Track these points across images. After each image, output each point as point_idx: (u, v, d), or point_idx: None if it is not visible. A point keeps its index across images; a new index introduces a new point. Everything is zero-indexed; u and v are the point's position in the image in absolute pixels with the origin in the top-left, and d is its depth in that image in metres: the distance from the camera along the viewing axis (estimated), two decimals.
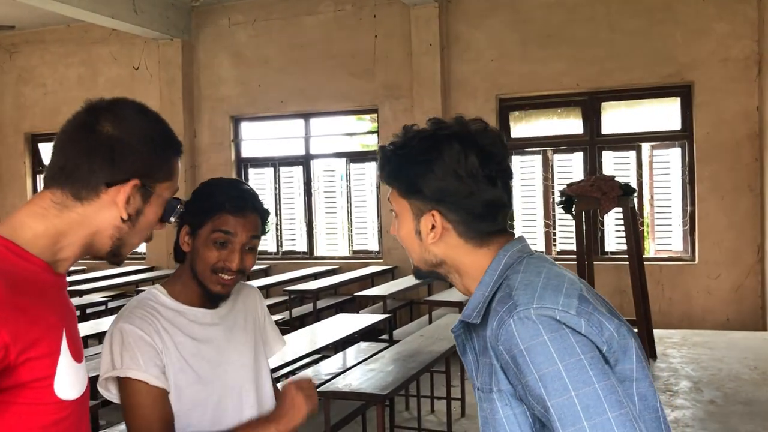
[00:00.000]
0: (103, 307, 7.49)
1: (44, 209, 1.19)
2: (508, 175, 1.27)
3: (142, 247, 10.02)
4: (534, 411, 1.13)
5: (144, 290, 1.83)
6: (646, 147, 8.05)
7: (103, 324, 5.96)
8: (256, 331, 1.87)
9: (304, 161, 9.32)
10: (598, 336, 1.11)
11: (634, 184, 7.46)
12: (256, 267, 8.74)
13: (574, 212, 6.10)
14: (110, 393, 1.64)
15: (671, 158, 8.02)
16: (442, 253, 1.27)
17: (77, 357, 1.21)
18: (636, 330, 5.85)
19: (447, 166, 1.22)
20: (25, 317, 1.09)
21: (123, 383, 1.61)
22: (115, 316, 1.70)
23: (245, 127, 9.61)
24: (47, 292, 1.16)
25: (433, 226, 1.25)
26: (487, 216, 1.25)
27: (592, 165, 8.06)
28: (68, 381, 1.17)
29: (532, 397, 1.11)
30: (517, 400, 1.16)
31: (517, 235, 1.31)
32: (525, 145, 8.44)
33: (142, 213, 1.26)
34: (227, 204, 1.68)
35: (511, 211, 1.26)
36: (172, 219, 1.35)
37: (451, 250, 1.26)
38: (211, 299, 1.74)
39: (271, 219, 1.88)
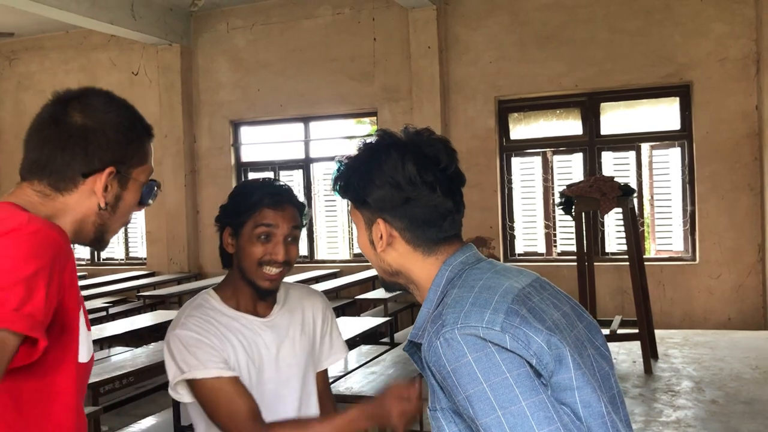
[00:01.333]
0: (104, 313, 7.49)
1: (29, 198, 1.23)
2: (453, 181, 1.28)
3: (142, 253, 10.02)
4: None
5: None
6: (645, 147, 8.05)
7: (106, 330, 5.96)
8: (313, 341, 1.90)
9: (304, 165, 9.33)
10: (525, 350, 1.10)
11: (634, 185, 7.47)
12: None
13: (573, 213, 6.10)
14: (179, 395, 1.72)
15: (671, 158, 8.03)
16: (394, 262, 1.30)
17: (88, 326, 1.26)
18: (637, 330, 5.88)
19: (385, 175, 1.25)
20: (72, 283, 1.16)
21: (196, 386, 1.68)
22: (171, 322, 1.77)
23: (245, 132, 9.62)
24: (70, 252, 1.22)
25: (381, 235, 1.28)
26: (430, 222, 1.25)
27: (592, 166, 8.06)
28: (84, 345, 1.23)
29: (465, 416, 1.13)
30: (459, 416, 1.16)
31: (464, 244, 1.31)
32: (524, 147, 8.45)
33: (121, 198, 1.29)
34: (266, 199, 1.75)
35: (460, 217, 1.30)
36: (151, 201, 1.37)
37: (402, 258, 1.28)
38: (260, 295, 1.79)
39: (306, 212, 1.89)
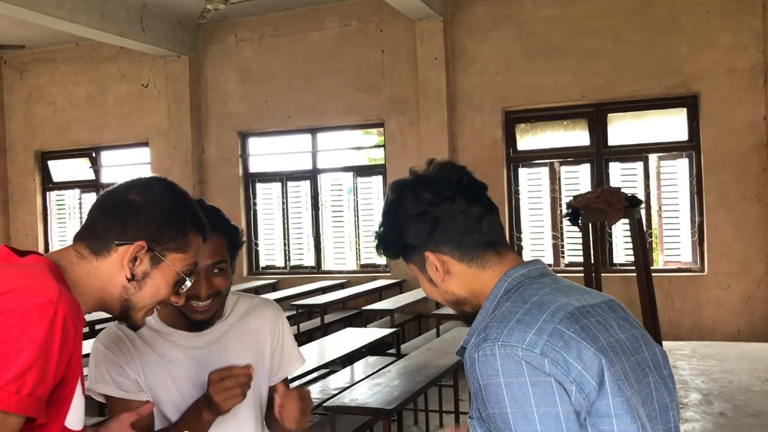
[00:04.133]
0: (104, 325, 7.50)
1: (69, 258, 1.30)
2: (473, 188, 1.31)
3: None
4: None
5: None
6: (653, 158, 8.04)
7: None
8: (260, 354, 1.82)
9: (312, 176, 9.36)
10: (564, 375, 1.11)
11: (641, 196, 7.45)
12: (264, 282, 8.81)
13: (580, 224, 6.09)
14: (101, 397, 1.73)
15: (678, 169, 8.00)
16: (458, 287, 1.31)
17: (84, 391, 1.28)
18: None
19: (408, 212, 1.29)
20: (76, 358, 1.18)
21: (104, 396, 1.70)
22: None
23: (253, 143, 9.66)
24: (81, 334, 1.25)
25: (436, 267, 1.29)
26: (468, 229, 1.27)
27: (599, 176, 8.05)
28: (78, 413, 1.24)
29: (492, 429, 1.15)
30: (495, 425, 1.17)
31: (527, 258, 1.33)
32: (531, 158, 8.45)
33: (148, 276, 1.31)
34: None
35: (495, 218, 1.32)
36: (180, 292, 1.39)
37: (462, 281, 1.30)
38: (193, 325, 1.73)
39: (241, 231, 1.85)
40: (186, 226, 1.35)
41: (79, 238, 1.32)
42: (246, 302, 1.88)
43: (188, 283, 1.38)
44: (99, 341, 1.72)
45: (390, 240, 1.34)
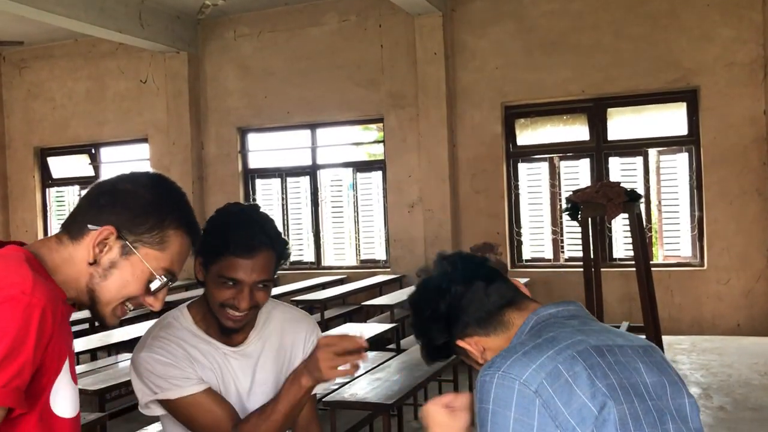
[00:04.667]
0: None
1: (49, 245, 1.26)
2: (464, 272, 1.37)
3: None
4: None
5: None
6: (652, 153, 8.03)
7: (113, 336, 5.98)
8: (289, 368, 1.78)
9: (311, 171, 9.35)
10: (551, 418, 1.13)
11: (641, 190, 7.45)
12: None
13: (580, 219, 6.09)
14: (150, 410, 1.70)
15: (678, 163, 8.00)
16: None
17: (75, 379, 1.25)
18: (645, 336, 5.84)
19: (427, 318, 1.38)
20: (52, 348, 1.15)
21: (170, 404, 1.65)
22: (139, 341, 1.73)
23: (252, 139, 9.66)
24: (64, 322, 1.21)
25: (471, 350, 1.36)
26: (478, 305, 1.34)
27: (599, 171, 8.05)
28: (68, 401, 1.22)
29: None
30: None
31: (566, 302, 1.35)
32: (531, 153, 8.44)
33: (115, 266, 1.25)
34: (232, 246, 1.61)
35: (503, 283, 1.38)
36: (153, 290, 1.28)
37: (499, 348, 1.31)
38: (224, 332, 1.72)
39: (289, 245, 1.77)
40: (165, 220, 1.27)
41: (62, 225, 1.29)
42: (281, 314, 1.85)
43: (157, 284, 1.27)
44: (147, 352, 1.66)
45: (428, 349, 1.42)
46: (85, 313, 7.41)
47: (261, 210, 1.74)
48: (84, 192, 1.34)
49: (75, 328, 7.28)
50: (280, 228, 1.82)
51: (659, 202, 8.07)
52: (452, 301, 1.35)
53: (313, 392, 1.75)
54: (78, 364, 6.32)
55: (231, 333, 1.72)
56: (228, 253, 1.62)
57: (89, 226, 1.24)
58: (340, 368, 1.61)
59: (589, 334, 1.23)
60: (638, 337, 1.33)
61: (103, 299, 1.26)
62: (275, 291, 8.09)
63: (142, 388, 1.66)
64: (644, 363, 1.24)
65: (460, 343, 1.36)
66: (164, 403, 1.67)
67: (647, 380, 1.21)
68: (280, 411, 1.64)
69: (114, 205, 1.25)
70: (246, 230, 1.64)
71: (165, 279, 1.29)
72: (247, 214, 1.71)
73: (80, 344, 5.94)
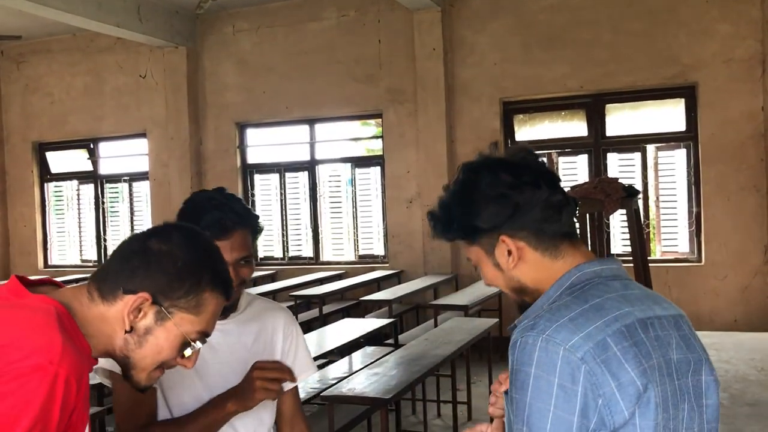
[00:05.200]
0: None
1: (80, 298, 1.23)
2: (551, 177, 1.27)
3: None
4: None
5: None
6: (651, 149, 8.04)
7: None
8: (270, 352, 1.83)
9: (310, 167, 9.35)
10: (595, 387, 1.09)
11: (639, 186, 7.46)
12: (262, 273, 8.81)
13: (578, 214, 6.09)
14: (96, 376, 1.71)
15: (676, 159, 8.01)
16: (524, 275, 1.27)
17: None
18: None
19: (485, 193, 1.24)
20: (76, 417, 1.13)
21: (111, 376, 1.69)
22: None
23: (250, 134, 9.65)
24: (88, 388, 1.19)
25: (509, 251, 1.25)
26: (549, 218, 1.24)
27: (597, 167, 8.06)
28: None
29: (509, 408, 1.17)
30: None
31: (604, 258, 1.29)
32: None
33: (150, 333, 1.21)
34: (208, 230, 1.63)
35: (573, 209, 1.29)
36: (186, 354, 1.26)
37: (533, 269, 1.26)
38: None
39: (261, 219, 1.83)
40: (201, 282, 1.23)
41: (93, 278, 1.26)
42: (261, 303, 1.90)
43: (196, 347, 1.25)
44: None
45: (458, 221, 1.28)
46: None
47: (226, 191, 1.79)
48: (114, 248, 1.29)
49: None
50: (278, 223, 1.84)
51: (657, 198, 8.08)
52: (532, 197, 1.23)
53: (311, 387, 1.78)
54: None
55: (225, 312, 1.76)
56: None
57: (122, 289, 1.20)
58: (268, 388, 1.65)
59: (633, 303, 1.19)
60: (671, 303, 1.30)
61: (139, 366, 1.24)
62: (274, 286, 8.11)
63: None
64: (675, 338, 1.22)
65: (506, 239, 1.24)
66: (107, 373, 1.70)
67: (674, 357, 1.19)
68: (198, 424, 1.66)
69: (148, 269, 1.21)
70: (218, 214, 1.69)
71: (199, 344, 1.26)
72: (215, 198, 1.75)
73: None
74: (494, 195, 1.24)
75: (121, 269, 1.22)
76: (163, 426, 1.68)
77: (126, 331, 1.20)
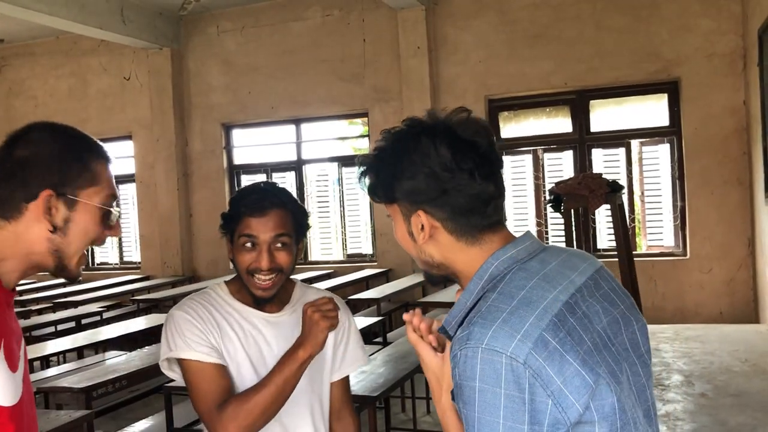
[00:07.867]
0: (98, 318, 7.51)
1: None
2: (494, 164, 1.19)
3: (136, 257, 10.03)
4: None
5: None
6: (635, 144, 8.10)
7: (101, 334, 5.98)
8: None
9: (296, 166, 9.36)
10: (542, 388, 1.06)
11: (624, 181, 7.52)
12: None
13: (563, 210, 6.14)
14: (174, 373, 1.79)
15: (660, 154, 8.07)
16: (437, 253, 1.22)
17: (12, 367, 1.25)
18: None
19: (416, 165, 1.16)
20: None
21: (182, 364, 1.74)
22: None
23: (236, 134, 9.65)
24: None
25: (423, 226, 1.19)
26: (474, 210, 1.17)
27: (582, 163, 8.11)
28: (5, 389, 1.22)
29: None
30: None
31: (516, 234, 1.23)
32: (515, 145, 8.49)
33: (71, 221, 1.28)
34: (245, 208, 1.75)
35: (503, 201, 1.23)
36: (111, 223, 1.34)
37: (445, 249, 1.21)
38: (257, 302, 1.81)
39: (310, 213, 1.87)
40: (84, 157, 1.30)
41: None
42: (314, 294, 1.91)
43: (115, 213, 1.34)
44: (178, 309, 1.77)
45: (380, 183, 1.21)
46: (71, 312, 7.38)
47: (277, 184, 1.87)
48: None
49: (61, 327, 7.27)
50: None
51: (642, 193, 8.15)
52: (463, 187, 1.15)
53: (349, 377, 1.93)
54: (65, 362, 6.31)
55: (264, 303, 1.81)
56: (243, 214, 1.75)
57: (23, 202, 1.25)
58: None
59: (554, 282, 1.15)
60: (585, 258, 1.25)
61: (70, 253, 1.30)
62: None
63: (163, 345, 1.76)
64: (599, 301, 1.18)
65: (421, 214, 1.18)
66: (177, 363, 1.75)
67: (605, 322, 1.16)
68: (274, 383, 1.67)
69: (34, 172, 1.26)
70: (256, 193, 1.78)
71: (116, 207, 1.34)
72: (259, 184, 1.85)
73: (67, 342, 5.94)
74: (424, 171, 1.15)
75: (12, 187, 1.26)
76: (241, 396, 1.69)
77: (51, 231, 1.26)
